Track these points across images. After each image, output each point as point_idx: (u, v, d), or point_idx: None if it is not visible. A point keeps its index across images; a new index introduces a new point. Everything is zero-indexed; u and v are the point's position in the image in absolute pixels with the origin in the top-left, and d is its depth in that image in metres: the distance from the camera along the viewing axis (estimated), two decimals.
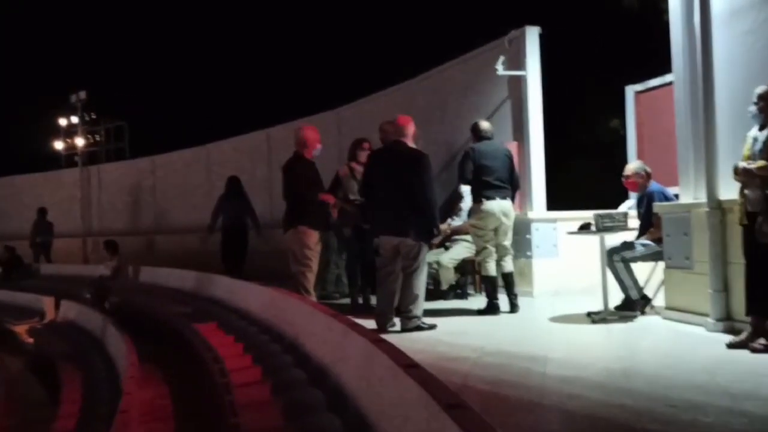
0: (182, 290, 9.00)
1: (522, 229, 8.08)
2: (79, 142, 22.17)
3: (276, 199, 12.42)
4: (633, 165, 6.92)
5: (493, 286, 6.93)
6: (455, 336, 5.76)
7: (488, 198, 6.81)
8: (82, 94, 20.92)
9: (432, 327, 6.08)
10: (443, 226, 7.65)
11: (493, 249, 6.94)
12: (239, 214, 10.40)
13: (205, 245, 10.72)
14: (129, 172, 18.80)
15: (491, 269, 6.92)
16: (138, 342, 5.47)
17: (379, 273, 6.24)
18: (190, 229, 16.01)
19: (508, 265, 7.05)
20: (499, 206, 6.84)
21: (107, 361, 5.95)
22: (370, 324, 5.98)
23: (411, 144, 6.29)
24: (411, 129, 6.31)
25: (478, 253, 7.15)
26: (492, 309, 6.81)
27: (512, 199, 7.07)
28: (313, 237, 6.49)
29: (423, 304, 6.19)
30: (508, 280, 7.04)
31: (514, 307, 6.92)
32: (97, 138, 53.48)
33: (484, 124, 7.20)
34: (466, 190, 8.20)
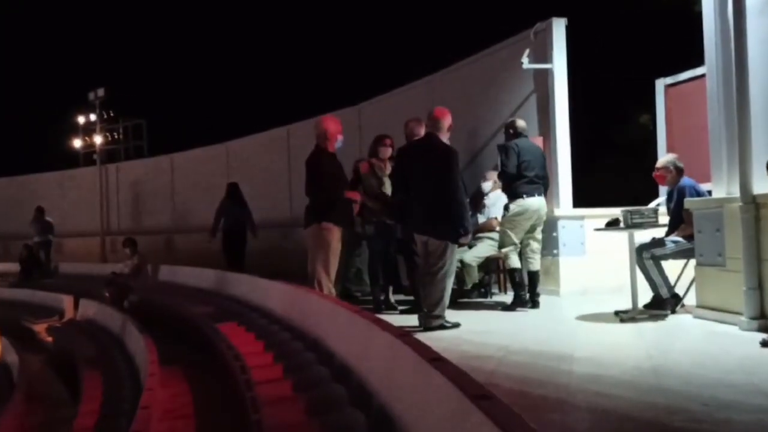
0: (202, 289, 9.08)
1: (548, 226, 8.03)
2: (98, 140, 22.41)
3: (296, 196, 12.50)
4: (664, 158, 6.86)
5: (521, 278, 7.05)
6: (479, 335, 5.76)
7: (528, 194, 7.01)
8: (101, 92, 21.17)
9: (456, 325, 6.08)
10: None
11: (518, 243, 7.10)
12: (238, 218, 11.52)
13: (209, 246, 11.53)
14: (147, 170, 19.01)
15: (516, 261, 7.06)
16: (158, 340, 5.53)
17: (419, 272, 6.36)
18: (210, 228, 16.13)
19: (537, 263, 7.15)
20: (538, 203, 7.07)
21: (127, 359, 6.03)
22: (393, 322, 6.00)
23: (445, 138, 6.29)
24: (447, 122, 6.30)
25: (502, 246, 7.18)
26: (520, 302, 6.89)
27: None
28: (336, 234, 6.41)
29: (447, 304, 6.20)
30: (534, 278, 7.14)
31: (535, 304, 7.06)
32: (116, 136, 54.10)
33: (521, 122, 7.35)
34: (486, 186, 8.22)
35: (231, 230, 11.44)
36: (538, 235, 7.20)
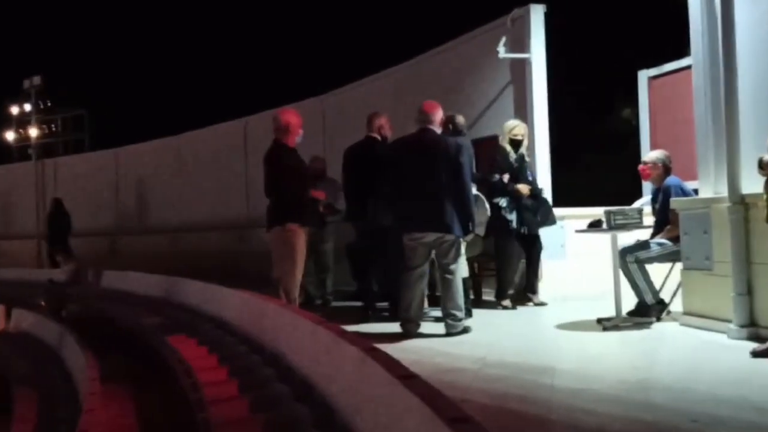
0: (150, 296, 8.95)
1: None
2: (33, 132, 22.00)
3: (254, 195, 12.39)
4: (654, 153, 6.88)
5: (468, 287, 7.06)
6: (454, 345, 5.75)
7: None
8: (37, 80, 20.76)
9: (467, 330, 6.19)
10: None
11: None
12: (61, 227, 14.32)
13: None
14: (89, 165, 18.67)
15: (467, 270, 7.00)
16: (99, 354, 5.42)
17: (410, 274, 6.24)
18: (158, 230, 15.92)
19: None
20: None
21: (65, 375, 5.90)
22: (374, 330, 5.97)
23: (439, 132, 6.38)
24: (439, 115, 6.38)
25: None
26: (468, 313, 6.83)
27: None
28: (302, 236, 6.28)
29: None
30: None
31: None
32: (54, 128, 53.17)
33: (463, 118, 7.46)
34: None
35: (53, 238, 14.37)
36: None
